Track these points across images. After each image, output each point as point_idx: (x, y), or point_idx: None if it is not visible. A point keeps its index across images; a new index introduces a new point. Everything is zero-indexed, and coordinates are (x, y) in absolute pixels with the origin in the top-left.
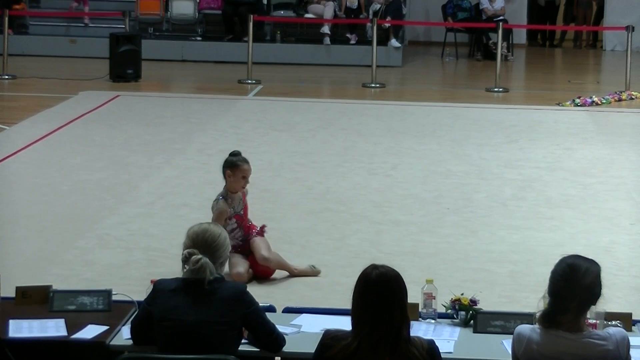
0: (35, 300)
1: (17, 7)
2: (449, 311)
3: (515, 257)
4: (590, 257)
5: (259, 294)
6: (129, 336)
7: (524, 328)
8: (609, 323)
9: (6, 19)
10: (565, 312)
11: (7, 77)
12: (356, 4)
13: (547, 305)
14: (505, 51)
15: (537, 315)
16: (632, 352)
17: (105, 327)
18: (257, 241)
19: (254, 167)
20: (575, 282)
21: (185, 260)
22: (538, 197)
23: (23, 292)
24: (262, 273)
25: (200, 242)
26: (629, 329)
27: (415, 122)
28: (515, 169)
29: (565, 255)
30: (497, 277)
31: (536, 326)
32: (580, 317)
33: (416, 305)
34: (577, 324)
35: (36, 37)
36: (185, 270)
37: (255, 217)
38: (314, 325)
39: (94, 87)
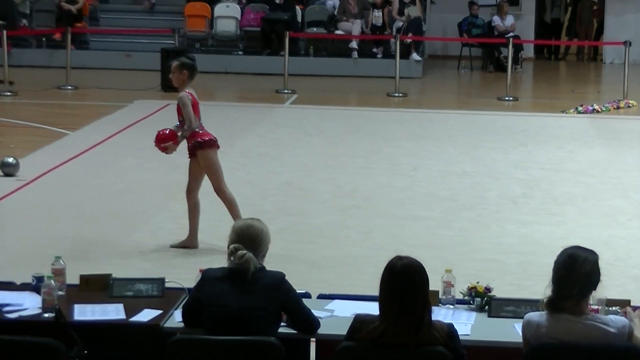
0: (97, 287)
1: (78, 25)
2: (466, 298)
3: (524, 249)
4: (590, 248)
5: (296, 281)
6: (181, 319)
7: (532, 315)
8: (610, 309)
9: (69, 35)
10: (567, 298)
11: (70, 87)
12: (381, 21)
13: (551, 292)
14: (522, 58)
15: (544, 301)
16: None
17: (159, 311)
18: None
19: (289, 168)
20: (575, 270)
21: (232, 254)
22: (544, 195)
23: (86, 280)
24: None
25: (245, 238)
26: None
27: (434, 128)
28: (523, 169)
29: (566, 247)
30: (508, 267)
31: (543, 312)
32: (582, 302)
33: (436, 292)
34: (580, 308)
35: (95, 51)
36: (230, 261)
37: (290, 212)
38: (345, 310)
39: (146, 96)
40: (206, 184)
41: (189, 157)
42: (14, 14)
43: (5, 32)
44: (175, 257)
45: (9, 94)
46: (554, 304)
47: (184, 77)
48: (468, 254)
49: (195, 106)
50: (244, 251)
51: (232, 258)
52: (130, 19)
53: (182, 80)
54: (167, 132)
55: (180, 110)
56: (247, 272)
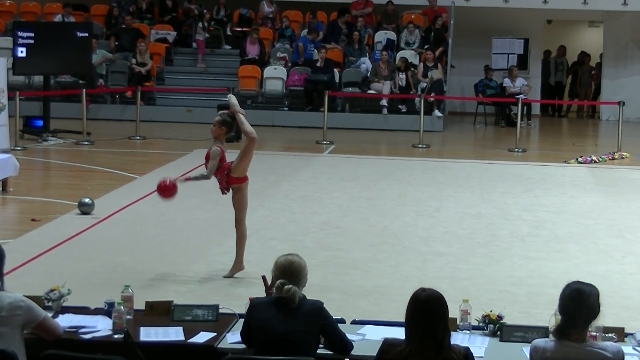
0: (160, 312)
1: (147, 84)
2: (481, 324)
3: (531, 282)
4: (589, 282)
5: (332, 308)
6: (233, 340)
7: (539, 341)
8: (606, 335)
9: (139, 93)
10: (574, 327)
11: (138, 137)
12: (406, 82)
13: (559, 321)
14: (529, 123)
15: (552, 329)
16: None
17: (213, 334)
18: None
19: (328, 209)
20: (582, 303)
21: (279, 289)
22: (549, 234)
23: (151, 306)
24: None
25: (287, 273)
26: (622, 340)
27: (453, 175)
28: (531, 212)
29: (570, 282)
30: (518, 297)
31: (548, 338)
32: (585, 330)
33: (455, 319)
34: (582, 336)
35: (161, 107)
36: (276, 292)
37: (328, 247)
38: (375, 334)
39: (205, 146)
40: (257, 221)
41: (223, 193)
42: (92, 74)
43: (84, 90)
44: (228, 287)
45: (86, 143)
46: (561, 331)
47: (222, 132)
48: (483, 286)
49: (222, 159)
50: (290, 286)
51: (278, 291)
52: (192, 79)
53: (219, 134)
54: (169, 183)
55: (207, 159)
56: (294, 304)
